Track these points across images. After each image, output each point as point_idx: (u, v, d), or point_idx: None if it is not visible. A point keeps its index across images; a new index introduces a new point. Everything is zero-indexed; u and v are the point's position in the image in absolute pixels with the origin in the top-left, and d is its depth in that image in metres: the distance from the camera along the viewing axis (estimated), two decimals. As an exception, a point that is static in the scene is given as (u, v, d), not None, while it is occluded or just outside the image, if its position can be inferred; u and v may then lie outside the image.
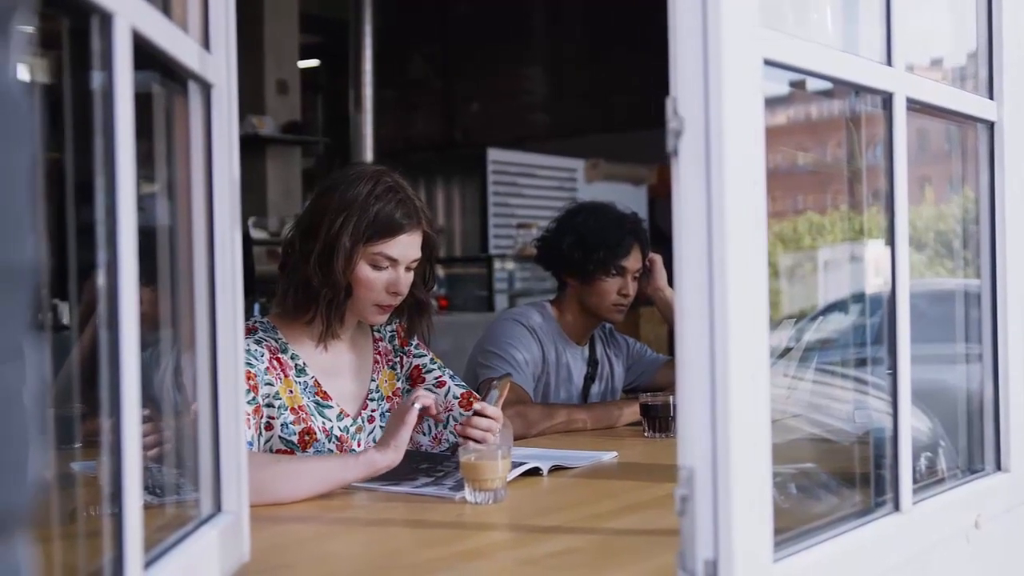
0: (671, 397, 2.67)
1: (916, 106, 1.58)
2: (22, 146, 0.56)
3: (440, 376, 2.39)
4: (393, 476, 2.00)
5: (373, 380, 2.34)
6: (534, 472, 2.11)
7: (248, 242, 5.43)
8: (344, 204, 2.16)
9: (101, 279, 0.99)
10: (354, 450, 2.23)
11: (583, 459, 2.30)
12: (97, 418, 1.06)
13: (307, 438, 2.16)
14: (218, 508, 1.37)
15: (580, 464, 2.26)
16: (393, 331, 2.41)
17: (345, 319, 2.25)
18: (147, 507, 1.07)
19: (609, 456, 2.35)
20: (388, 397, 2.35)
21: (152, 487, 1.30)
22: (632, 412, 2.82)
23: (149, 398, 1.12)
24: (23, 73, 0.59)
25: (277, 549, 1.59)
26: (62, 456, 1.73)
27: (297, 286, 2.19)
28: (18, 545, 0.57)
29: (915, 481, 1.55)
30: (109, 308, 0.99)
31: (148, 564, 1.08)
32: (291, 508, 1.87)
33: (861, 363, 1.93)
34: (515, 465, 2.04)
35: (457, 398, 2.35)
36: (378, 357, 2.37)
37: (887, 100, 1.52)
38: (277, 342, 2.22)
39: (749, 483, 1.18)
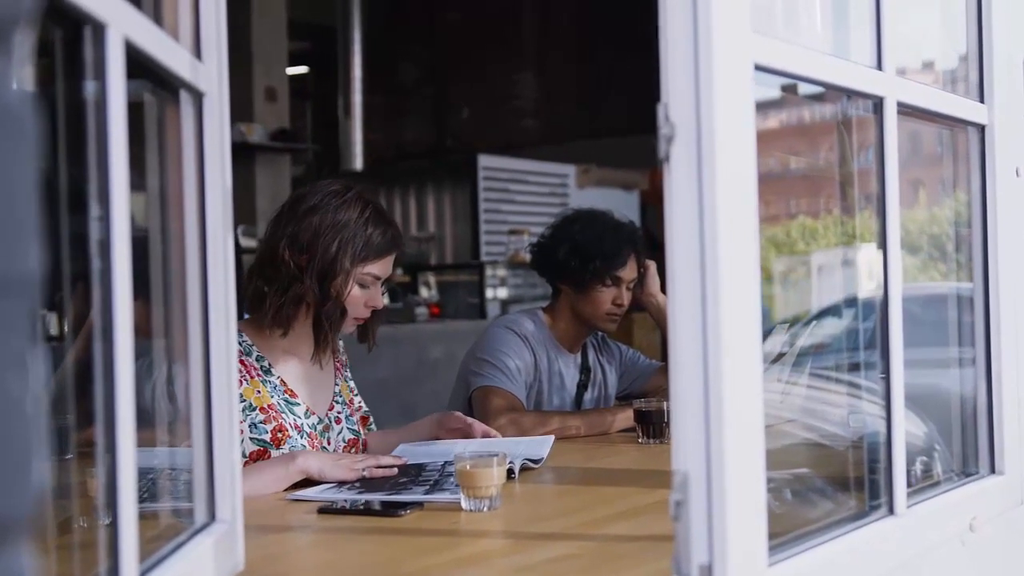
0: (665, 403, 2.66)
1: (907, 110, 1.58)
2: (24, 158, 0.56)
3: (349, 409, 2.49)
4: (390, 488, 2.00)
5: (336, 385, 2.44)
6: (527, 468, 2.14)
7: (237, 251, 5.41)
8: (337, 226, 2.24)
9: (95, 289, 0.99)
10: (325, 447, 2.33)
11: (533, 444, 2.35)
12: (90, 428, 1.06)
13: (280, 435, 2.23)
14: (212, 517, 1.36)
15: (536, 453, 2.28)
16: (343, 346, 2.53)
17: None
18: (140, 516, 1.06)
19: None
20: (348, 403, 2.45)
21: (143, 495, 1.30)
22: (625, 418, 2.82)
23: (142, 409, 1.12)
24: (25, 83, 0.60)
25: (271, 558, 1.59)
26: (55, 467, 1.72)
27: (290, 302, 2.25)
28: (21, 553, 0.58)
29: (909, 485, 1.55)
30: (103, 319, 0.99)
31: (143, 574, 1.08)
32: (285, 517, 1.87)
33: (855, 368, 1.93)
34: None
35: (346, 441, 2.41)
36: (338, 365, 2.48)
37: (878, 104, 1.52)
38: (241, 345, 2.26)
39: (743, 487, 1.18)
